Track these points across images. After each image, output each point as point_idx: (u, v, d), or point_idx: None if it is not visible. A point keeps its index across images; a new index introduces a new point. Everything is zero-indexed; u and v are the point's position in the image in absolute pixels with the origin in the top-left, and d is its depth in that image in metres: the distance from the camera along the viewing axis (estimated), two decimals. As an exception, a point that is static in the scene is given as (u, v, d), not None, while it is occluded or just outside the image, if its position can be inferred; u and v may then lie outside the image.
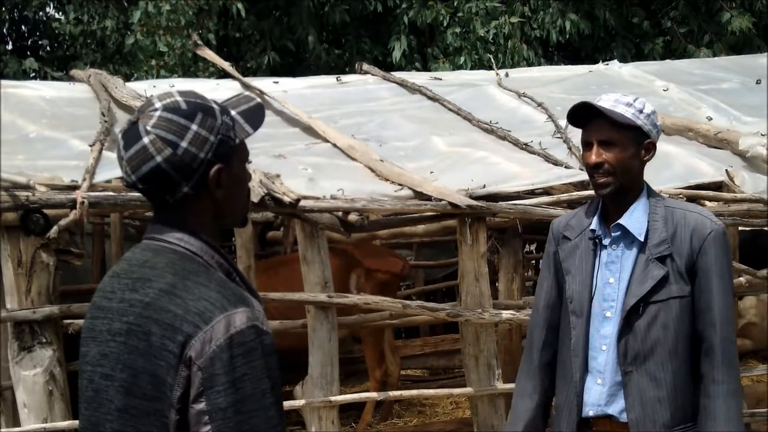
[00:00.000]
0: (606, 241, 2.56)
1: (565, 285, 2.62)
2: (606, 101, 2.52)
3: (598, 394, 2.54)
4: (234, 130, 1.70)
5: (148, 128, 1.63)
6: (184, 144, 1.63)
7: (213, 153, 1.66)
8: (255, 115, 1.76)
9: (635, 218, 2.53)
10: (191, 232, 1.68)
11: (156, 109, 1.65)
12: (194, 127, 1.64)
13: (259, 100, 1.81)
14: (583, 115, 2.54)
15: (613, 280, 2.54)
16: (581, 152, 2.60)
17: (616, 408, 2.52)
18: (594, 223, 2.58)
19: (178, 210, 1.69)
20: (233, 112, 1.73)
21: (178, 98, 1.67)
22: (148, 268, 1.66)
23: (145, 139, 1.63)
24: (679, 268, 2.48)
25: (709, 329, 2.47)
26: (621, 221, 2.53)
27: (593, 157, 2.50)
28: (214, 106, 1.70)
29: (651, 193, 2.59)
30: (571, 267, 2.61)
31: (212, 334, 1.56)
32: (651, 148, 2.57)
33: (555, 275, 2.68)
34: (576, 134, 5.02)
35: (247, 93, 1.87)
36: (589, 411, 2.55)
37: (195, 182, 1.66)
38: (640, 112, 2.51)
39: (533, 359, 2.72)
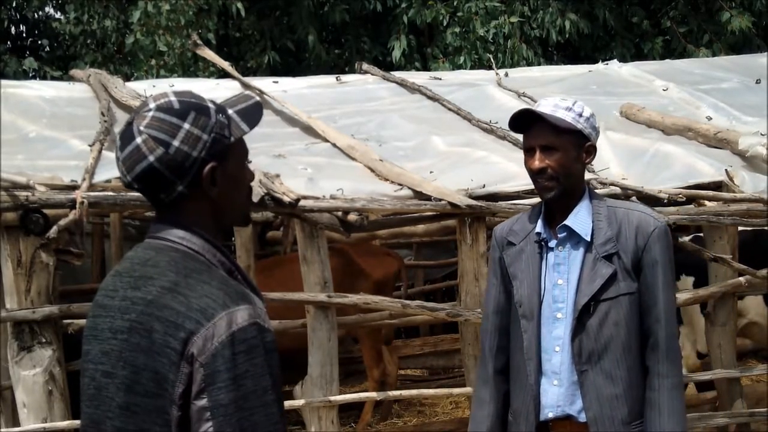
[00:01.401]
0: (552, 244, 2.60)
1: (513, 290, 2.64)
2: (545, 106, 2.56)
3: (556, 395, 2.56)
4: (229, 128, 1.70)
5: (141, 128, 1.65)
6: (176, 143, 1.64)
7: (207, 151, 1.66)
8: (252, 113, 1.76)
9: (580, 219, 2.56)
10: (192, 230, 1.69)
11: (150, 110, 1.67)
12: (186, 126, 1.65)
13: (257, 98, 1.81)
14: (524, 121, 2.58)
15: (561, 282, 2.57)
16: (524, 158, 2.63)
17: (575, 407, 2.54)
18: (539, 227, 2.62)
19: (176, 209, 1.70)
20: (230, 111, 1.73)
21: (172, 98, 1.68)
22: (150, 267, 1.66)
23: (138, 139, 1.64)
24: (626, 265, 2.52)
25: (654, 324, 2.52)
26: (566, 222, 2.57)
27: (536, 163, 2.54)
28: (209, 105, 1.70)
29: (593, 195, 2.64)
30: (518, 271, 2.64)
31: (214, 330, 1.56)
32: (591, 151, 2.61)
33: (502, 281, 2.71)
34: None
35: (246, 92, 1.87)
36: (549, 413, 2.57)
37: (189, 181, 1.66)
38: (580, 115, 2.55)
39: (488, 366, 2.73)
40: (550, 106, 2.55)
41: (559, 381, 2.55)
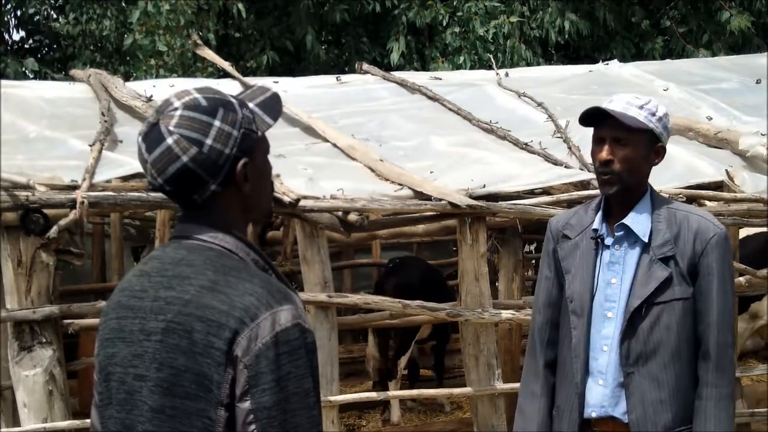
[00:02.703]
0: (608, 241, 2.55)
1: (565, 284, 2.60)
2: (618, 104, 2.50)
3: (601, 395, 2.53)
4: (255, 123, 1.68)
5: (171, 128, 1.60)
6: (209, 141, 1.60)
7: (237, 148, 1.63)
8: (273, 106, 1.73)
9: (639, 219, 2.51)
10: (223, 229, 1.65)
11: (176, 109, 1.61)
12: (217, 123, 1.61)
13: (274, 90, 1.77)
14: (596, 116, 2.53)
15: (615, 281, 2.52)
16: (591, 148, 2.57)
17: (620, 409, 2.51)
18: (596, 223, 2.56)
19: (207, 208, 1.66)
20: (251, 105, 1.70)
21: (197, 95, 1.64)
22: (184, 266, 1.62)
23: (169, 140, 1.59)
24: (682, 270, 2.47)
25: (707, 332, 2.47)
26: (625, 221, 2.52)
27: (604, 154, 2.48)
28: (233, 100, 1.67)
29: (654, 195, 2.58)
30: (571, 266, 2.59)
31: (258, 331, 1.53)
32: (661, 152, 2.56)
33: (555, 273, 2.66)
34: (575, 134, 5.04)
35: (261, 84, 1.83)
36: (592, 412, 2.54)
37: (222, 179, 1.63)
38: (653, 114, 2.50)
39: (538, 359, 2.69)
40: (622, 103, 2.50)
41: (605, 381, 2.52)
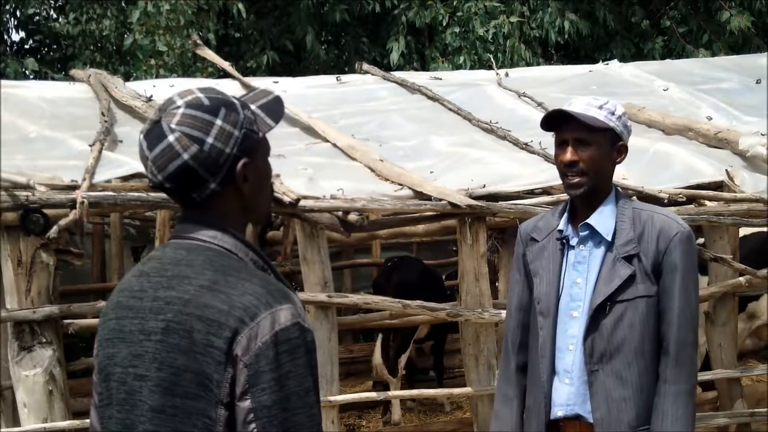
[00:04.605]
0: (573, 242, 2.58)
1: (533, 286, 2.64)
2: (578, 106, 2.54)
3: (567, 394, 2.55)
4: (256, 124, 1.69)
5: (173, 126, 1.61)
6: (209, 140, 1.61)
7: (238, 147, 1.64)
8: (274, 108, 1.75)
9: (603, 218, 2.55)
10: (222, 229, 1.66)
11: (178, 107, 1.63)
12: (218, 122, 1.62)
13: (277, 93, 1.79)
14: (557, 120, 2.56)
15: (580, 280, 2.55)
16: (554, 151, 2.61)
17: (586, 408, 2.52)
18: (562, 224, 2.60)
19: (206, 207, 1.67)
20: (253, 107, 1.71)
21: (200, 95, 1.65)
22: (184, 266, 1.63)
23: (171, 137, 1.61)
24: (646, 268, 2.49)
25: (668, 329, 2.49)
26: (589, 221, 2.55)
27: (568, 156, 2.51)
28: (235, 101, 1.68)
29: (619, 195, 2.62)
30: (539, 268, 2.63)
31: (258, 330, 1.54)
32: (623, 150, 2.60)
33: (525, 277, 2.70)
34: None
35: (264, 87, 1.86)
36: (558, 411, 2.56)
37: (222, 178, 1.64)
38: (612, 114, 2.53)
39: (510, 363, 2.73)
40: (582, 104, 2.53)
41: (571, 380, 2.54)
